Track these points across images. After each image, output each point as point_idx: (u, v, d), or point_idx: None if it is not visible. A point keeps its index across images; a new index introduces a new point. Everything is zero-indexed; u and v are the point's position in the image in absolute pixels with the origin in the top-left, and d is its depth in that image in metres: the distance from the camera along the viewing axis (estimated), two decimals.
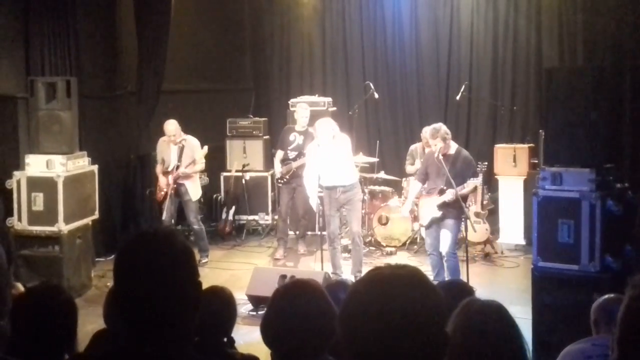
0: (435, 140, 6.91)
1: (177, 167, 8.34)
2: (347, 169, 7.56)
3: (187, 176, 8.41)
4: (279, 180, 8.94)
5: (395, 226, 8.95)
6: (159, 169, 8.50)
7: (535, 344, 4.92)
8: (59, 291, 2.89)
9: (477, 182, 6.99)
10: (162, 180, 8.41)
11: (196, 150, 8.46)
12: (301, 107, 9.06)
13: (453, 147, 6.96)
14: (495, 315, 2.31)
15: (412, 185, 7.24)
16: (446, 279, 6.79)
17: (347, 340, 1.58)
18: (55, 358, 2.72)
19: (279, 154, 8.93)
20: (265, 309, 2.62)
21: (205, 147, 8.59)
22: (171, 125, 8.39)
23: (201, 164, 8.53)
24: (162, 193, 8.41)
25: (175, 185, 8.34)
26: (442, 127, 7.01)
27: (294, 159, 8.76)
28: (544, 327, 5.11)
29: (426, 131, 9.18)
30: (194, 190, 8.52)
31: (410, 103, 10.98)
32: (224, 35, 11.15)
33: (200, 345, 3.02)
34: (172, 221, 8.54)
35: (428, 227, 7.07)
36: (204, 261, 8.51)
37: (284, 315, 2.49)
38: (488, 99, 10.38)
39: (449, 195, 6.76)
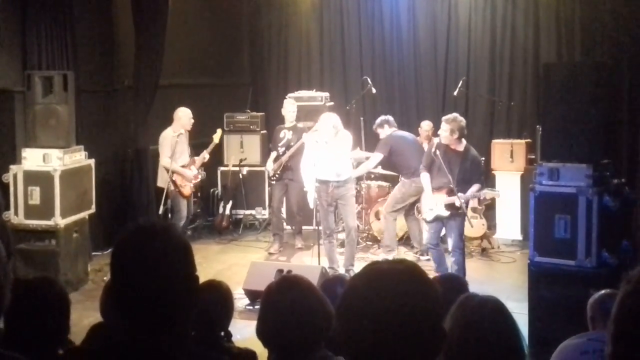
0: (447, 125, 6.74)
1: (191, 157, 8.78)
2: (342, 165, 7.54)
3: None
4: (272, 178, 8.96)
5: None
6: (174, 165, 8.46)
7: (531, 339, 4.93)
8: (52, 283, 2.89)
9: (496, 193, 7.02)
10: (189, 174, 8.55)
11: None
12: (288, 102, 9.05)
13: (462, 144, 6.88)
14: (493, 311, 2.32)
15: (424, 179, 7.10)
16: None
17: (344, 335, 1.59)
18: (49, 351, 2.72)
19: (273, 155, 8.95)
20: (259, 310, 2.64)
21: (219, 130, 9.26)
22: (189, 111, 8.68)
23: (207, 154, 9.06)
24: (192, 185, 8.71)
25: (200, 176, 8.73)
26: (463, 120, 6.89)
27: (283, 154, 8.78)
28: (540, 323, 5.13)
29: (425, 125, 9.22)
30: None
31: (408, 98, 10.98)
32: (222, 30, 11.12)
33: (197, 339, 3.02)
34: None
35: (431, 222, 7.03)
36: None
37: (276, 312, 2.51)
38: (485, 95, 10.38)
39: (459, 200, 6.66)
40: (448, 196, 6.79)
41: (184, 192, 8.59)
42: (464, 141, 6.89)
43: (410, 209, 8.41)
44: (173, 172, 8.46)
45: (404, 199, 8.14)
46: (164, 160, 8.51)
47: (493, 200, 9.26)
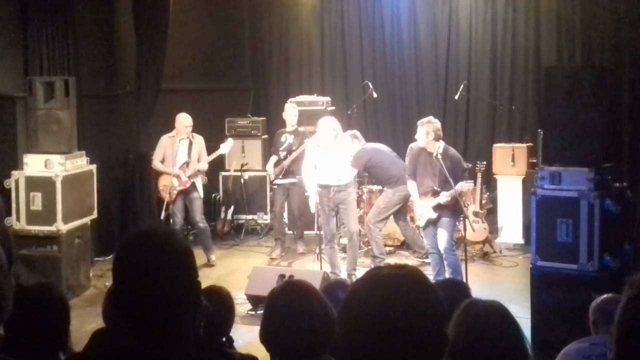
0: (422, 128, 6.88)
1: (187, 164, 8.42)
2: (343, 169, 7.55)
3: (196, 174, 8.49)
4: (273, 183, 8.96)
5: (394, 225, 8.94)
6: (160, 166, 8.47)
7: (534, 344, 4.91)
8: (51, 289, 2.89)
9: (471, 185, 6.99)
10: (174, 179, 8.41)
11: (203, 150, 8.62)
12: (289, 107, 9.06)
13: (441, 145, 6.96)
14: (497, 316, 2.32)
15: (411, 186, 7.21)
16: (447, 276, 6.80)
17: (346, 340, 1.58)
18: (49, 357, 2.72)
19: (273, 159, 8.94)
20: (262, 314, 2.64)
21: (230, 140, 9.04)
22: (188, 118, 8.48)
23: (206, 164, 8.65)
24: (175, 192, 8.41)
25: (190, 183, 8.42)
26: (437, 122, 7.02)
27: (285, 158, 8.78)
28: (542, 327, 5.12)
29: None
30: (200, 188, 8.63)
31: (409, 102, 10.98)
32: (223, 35, 11.14)
33: (199, 345, 3.02)
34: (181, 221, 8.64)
35: (425, 227, 7.10)
36: (212, 259, 8.58)
37: (280, 317, 2.51)
38: (487, 99, 10.38)
39: (444, 197, 6.78)
40: (433, 198, 6.88)
41: (165, 197, 8.44)
42: (442, 142, 6.97)
43: (399, 218, 8.38)
44: (159, 175, 8.50)
45: (387, 209, 8.05)
46: (152, 162, 8.58)
47: (495, 204, 9.28)
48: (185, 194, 8.47)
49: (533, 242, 5.32)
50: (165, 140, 8.53)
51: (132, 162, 9.10)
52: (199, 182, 8.61)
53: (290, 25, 11.48)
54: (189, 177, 8.41)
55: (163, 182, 8.47)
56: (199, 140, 8.62)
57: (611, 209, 5.04)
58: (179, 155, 8.45)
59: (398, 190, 7.89)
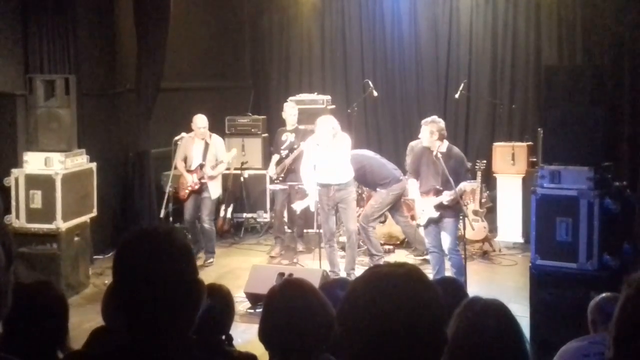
0: (427, 128, 6.85)
1: (202, 166, 8.41)
2: (342, 168, 7.54)
3: (210, 177, 8.45)
4: (275, 181, 8.95)
5: (394, 224, 8.94)
6: (180, 165, 8.48)
7: (533, 342, 4.92)
8: (49, 288, 2.89)
9: (475, 184, 6.95)
10: (188, 178, 8.42)
11: (220, 150, 8.61)
12: (288, 106, 9.06)
13: (444, 144, 6.95)
14: (497, 314, 2.32)
15: (412, 185, 7.21)
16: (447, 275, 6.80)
17: (346, 338, 1.59)
18: (48, 355, 2.72)
19: (275, 158, 8.95)
20: (261, 312, 2.64)
21: (234, 150, 9.02)
22: (203, 120, 8.46)
23: (225, 164, 8.68)
24: (187, 191, 8.46)
25: (199, 184, 8.40)
26: (441, 122, 6.99)
27: (286, 157, 8.78)
28: (542, 325, 5.13)
29: None
30: (214, 189, 8.56)
31: (409, 101, 10.98)
32: (223, 33, 11.14)
33: (198, 343, 3.02)
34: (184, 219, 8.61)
35: (426, 226, 7.09)
36: (209, 261, 8.51)
37: (279, 315, 2.51)
38: (487, 97, 10.38)
39: (447, 197, 6.74)
40: (436, 197, 6.87)
41: (179, 194, 8.54)
42: (445, 142, 6.95)
43: (395, 214, 8.40)
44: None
45: (380, 209, 8.11)
46: (175, 160, 8.58)
47: (494, 202, 9.28)
48: (197, 193, 8.50)
49: (532, 240, 5.33)
50: (185, 139, 8.53)
51: (132, 161, 9.10)
52: (212, 182, 8.51)
53: (291, 23, 11.49)
54: (200, 179, 8.41)
55: (182, 180, 8.52)
56: (215, 142, 8.60)
57: (611, 208, 5.05)
58: (194, 157, 8.48)
59: (391, 190, 8.00)
